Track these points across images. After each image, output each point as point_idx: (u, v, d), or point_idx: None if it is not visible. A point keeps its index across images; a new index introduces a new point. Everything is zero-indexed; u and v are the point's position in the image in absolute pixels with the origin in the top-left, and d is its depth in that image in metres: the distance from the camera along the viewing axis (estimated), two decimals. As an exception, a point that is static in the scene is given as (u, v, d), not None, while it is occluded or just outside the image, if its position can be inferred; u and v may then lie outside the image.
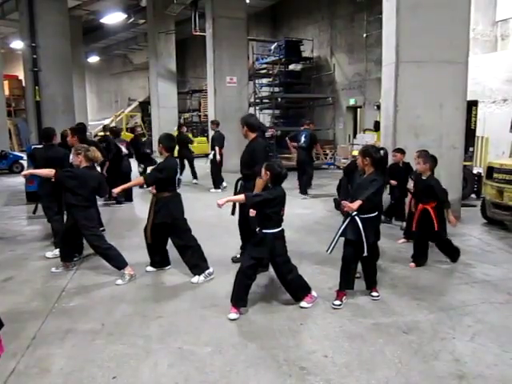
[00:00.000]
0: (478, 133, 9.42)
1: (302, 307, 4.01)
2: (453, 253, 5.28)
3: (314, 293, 4.10)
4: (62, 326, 3.72)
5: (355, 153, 11.58)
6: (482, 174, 8.34)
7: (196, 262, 4.77)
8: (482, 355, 3.23)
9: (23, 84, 14.55)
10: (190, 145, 12.06)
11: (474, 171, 9.30)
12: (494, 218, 6.88)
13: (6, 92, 17.33)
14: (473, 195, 9.14)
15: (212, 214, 6.88)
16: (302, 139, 9.88)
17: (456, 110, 7.24)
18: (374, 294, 4.26)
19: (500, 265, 5.25)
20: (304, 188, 9.82)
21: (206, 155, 11.75)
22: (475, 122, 8.78)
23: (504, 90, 10.30)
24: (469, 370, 3.05)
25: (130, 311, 4.03)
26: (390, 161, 6.71)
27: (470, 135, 8.38)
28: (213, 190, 10.41)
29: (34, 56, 11.43)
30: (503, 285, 4.61)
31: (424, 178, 5.12)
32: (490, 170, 6.90)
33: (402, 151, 6.59)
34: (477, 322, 3.76)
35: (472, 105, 8.49)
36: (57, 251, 5.41)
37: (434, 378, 2.97)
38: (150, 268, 5.02)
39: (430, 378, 2.97)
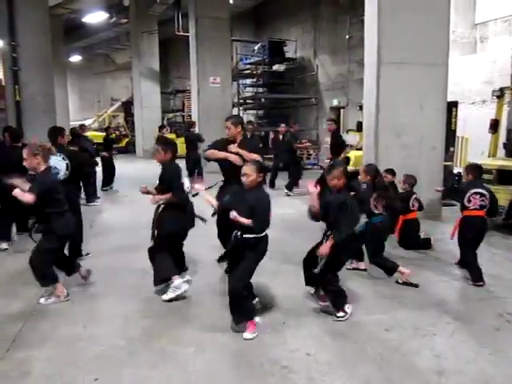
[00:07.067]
0: (458, 133, 9.56)
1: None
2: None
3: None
4: (42, 329, 3.68)
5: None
6: (462, 174, 8.45)
7: None
8: (462, 351, 3.30)
9: (2, 83, 14.23)
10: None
11: (455, 171, 9.42)
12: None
13: (-15, 92, 17.01)
14: (453, 194, 9.25)
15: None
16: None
17: (436, 111, 7.36)
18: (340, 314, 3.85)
19: (481, 262, 5.32)
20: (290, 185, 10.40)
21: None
22: (455, 122, 8.90)
23: (483, 92, 10.47)
24: (448, 365, 3.11)
25: (112, 312, 4.00)
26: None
27: (450, 135, 8.50)
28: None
29: (14, 55, 11.20)
30: (482, 282, 4.69)
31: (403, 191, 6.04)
32: (470, 170, 7.00)
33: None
34: (456, 319, 3.82)
35: (452, 106, 8.61)
36: None
37: (415, 374, 3.02)
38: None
39: (411, 374, 3.02)
